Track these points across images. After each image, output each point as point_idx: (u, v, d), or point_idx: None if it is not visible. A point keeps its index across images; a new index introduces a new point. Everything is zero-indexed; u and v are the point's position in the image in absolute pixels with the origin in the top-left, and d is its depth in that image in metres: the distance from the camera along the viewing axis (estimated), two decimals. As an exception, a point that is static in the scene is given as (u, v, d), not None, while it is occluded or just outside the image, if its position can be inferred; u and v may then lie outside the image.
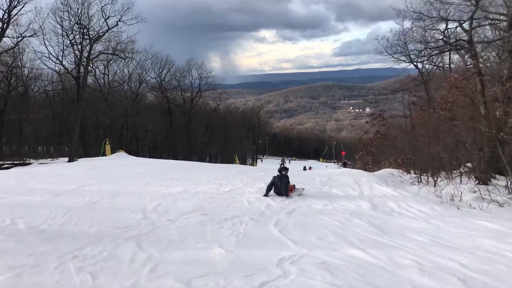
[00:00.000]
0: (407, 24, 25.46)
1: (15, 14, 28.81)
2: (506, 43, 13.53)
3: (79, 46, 33.94)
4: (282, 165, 11.91)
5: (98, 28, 33.69)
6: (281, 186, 10.97)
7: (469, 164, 14.35)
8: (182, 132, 55.14)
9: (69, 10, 33.12)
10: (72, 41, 34.24)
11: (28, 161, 30.10)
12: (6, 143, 38.56)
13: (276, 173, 11.48)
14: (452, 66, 26.19)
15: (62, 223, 7.48)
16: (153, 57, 50.12)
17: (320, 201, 10.05)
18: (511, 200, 9.76)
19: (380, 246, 5.83)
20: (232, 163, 55.42)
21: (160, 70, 51.34)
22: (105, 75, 45.46)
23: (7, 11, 28.08)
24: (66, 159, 30.99)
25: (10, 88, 37.11)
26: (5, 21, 28.50)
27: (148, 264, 5.10)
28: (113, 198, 10.32)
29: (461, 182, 12.42)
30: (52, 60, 35.34)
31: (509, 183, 10.94)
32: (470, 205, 9.52)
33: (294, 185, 11.57)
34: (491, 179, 12.75)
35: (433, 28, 18.63)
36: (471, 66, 16.60)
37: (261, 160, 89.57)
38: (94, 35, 33.81)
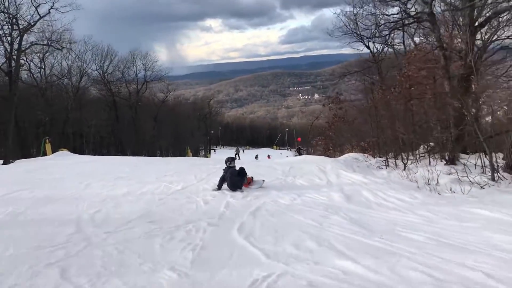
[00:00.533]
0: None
1: None
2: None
3: (8, 38, 30.86)
4: (230, 157, 10.67)
5: (29, 17, 30.72)
6: (228, 179, 9.76)
7: (431, 144, 13.70)
8: (130, 126, 52.49)
9: (-7, -2, 29.93)
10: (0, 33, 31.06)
11: (-45, 167, 27.06)
12: None
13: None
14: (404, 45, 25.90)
15: (-34, 247, 5.84)
16: (94, 48, 47.12)
17: (286, 194, 8.86)
18: (491, 181, 8.99)
19: (373, 252, 4.67)
20: (185, 155, 53.55)
21: (102, 62, 48.35)
22: (42, 69, 42.10)
23: None
24: (1, 161, 28.23)
25: None
26: None
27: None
28: (43, 207, 8.63)
29: (430, 164, 11.66)
30: (-23, 54, 31.95)
31: (483, 161, 10.22)
32: (450, 189, 8.64)
33: (252, 177, 10.34)
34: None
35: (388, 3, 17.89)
36: (429, 42, 15.97)
37: (214, 151, 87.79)
38: (24, 25, 30.83)
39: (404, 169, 11.18)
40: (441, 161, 11.89)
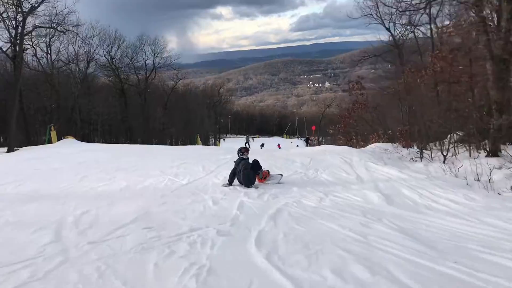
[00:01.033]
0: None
1: None
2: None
3: (13, 22, 29.63)
4: (243, 147, 9.25)
5: (33, -1, 29.40)
6: (240, 173, 8.38)
7: (463, 133, 12.20)
8: (139, 114, 51.25)
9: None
10: (4, 16, 29.81)
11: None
12: None
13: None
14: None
15: None
16: (101, 33, 45.70)
17: (310, 193, 7.46)
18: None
19: (454, 288, 3.26)
20: (194, 144, 52.37)
21: (110, 47, 46.96)
22: (48, 54, 40.89)
23: None
24: (5, 149, 27.17)
25: None
26: None
27: None
28: (23, 206, 7.35)
29: (470, 156, 10.17)
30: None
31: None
32: (511, 188, 7.15)
33: (268, 171, 8.95)
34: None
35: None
36: (468, 19, 14.29)
37: (224, 140, 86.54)
38: (28, 7, 29.55)
39: (444, 162, 9.70)
40: (478, 152, 10.39)
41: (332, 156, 11.55)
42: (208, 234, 5.10)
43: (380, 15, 26.85)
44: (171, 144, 55.07)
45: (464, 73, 12.18)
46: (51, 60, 41.17)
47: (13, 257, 4.56)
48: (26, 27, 29.70)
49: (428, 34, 27.11)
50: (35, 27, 31.19)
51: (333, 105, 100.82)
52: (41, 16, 31.03)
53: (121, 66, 48.73)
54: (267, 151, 19.48)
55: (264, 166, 8.98)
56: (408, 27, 24.76)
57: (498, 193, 6.91)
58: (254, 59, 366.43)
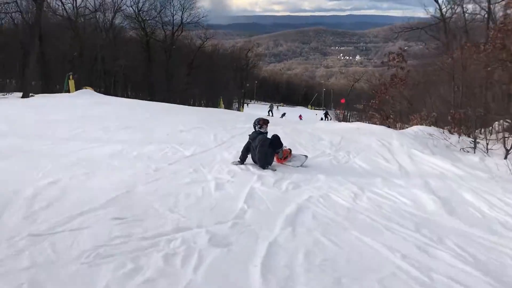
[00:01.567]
0: None
1: None
2: None
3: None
4: (261, 118, 7.50)
5: None
6: (255, 150, 6.80)
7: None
8: (162, 71, 49.73)
9: None
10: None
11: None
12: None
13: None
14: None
15: None
16: (129, -18, 43.79)
17: (341, 185, 5.81)
18: None
19: None
20: (217, 107, 50.89)
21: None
22: (73, 0, 39.37)
23: None
24: (20, 94, 26.23)
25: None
26: None
27: None
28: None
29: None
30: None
31: None
32: None
33: (290, 149, 7.32)
34: None
35: None
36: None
37: (247, 105, 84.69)
38: None
39: (506, 158, 7.90)
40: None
41: (367, 137, 9.79)
42: (197, 240, 3.58)
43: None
44: (193, 105, 53.78)
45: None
46: (76, 6, 39.64)
47: None
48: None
49: (477, 11, 24.66)
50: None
51: (362, 79, 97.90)
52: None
53: (147, 18, 46.88)
54: (289, 122, 17.74)
55: (285, 143, 7.36)
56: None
57: None
58: (286, 25, 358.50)
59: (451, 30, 25.21)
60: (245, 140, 7.21)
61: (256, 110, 60.25)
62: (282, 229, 3.96)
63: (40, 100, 20.61)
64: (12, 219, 3.93)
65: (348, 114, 64.56)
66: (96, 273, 2.93)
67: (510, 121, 9.83)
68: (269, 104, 54.95)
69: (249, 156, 6.99)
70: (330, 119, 44.05)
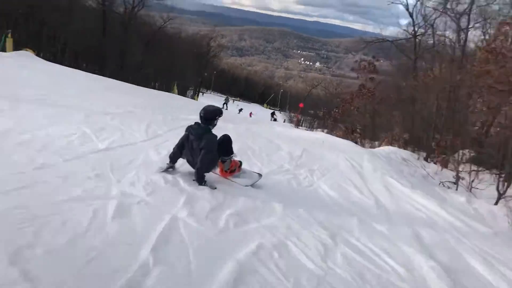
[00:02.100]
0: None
1: None
2: None
3: None
4: (213, 107, 5.43)
5: None
6: (193, 151, 5.04)
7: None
8: (117, 46, 46.28)
9: None
10: None
11: None
12: None
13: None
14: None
15: None
16: None
17: (306, 225, 4.12)
18: None
19: None
20: (170, 92, 48.27)
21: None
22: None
23: None
24: None
25: None
26: None
27: None
28: None
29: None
30: None
31: None
32: None
33: (239, 162, 5.52)
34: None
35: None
36: None
37: (202, 94, 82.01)
38: None
39: (497, 203, 6.49)
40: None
41: (334, 153, 8.20)
42: None
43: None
44: (145, 86, 50.81)
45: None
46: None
47: None
48: None
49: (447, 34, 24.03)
50: None
51: (320, 86, 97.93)
52: None
53: (106, -14, 43.36)
54: (244, 120, 15.92)
55: (235, 147, 5.55)
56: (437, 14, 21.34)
57: None
58: (253, 21, 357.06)
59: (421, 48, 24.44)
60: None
61: (211, 100, 58.04)
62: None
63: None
64: None
65: (302, 119, 63.93)
66: None
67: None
68: (225, 96, 52.79)
69: (184, 157, 5.13)
70: (275, 120, 42.70)
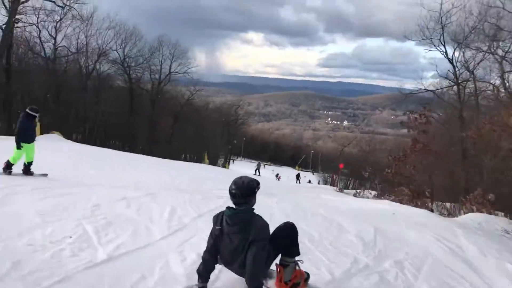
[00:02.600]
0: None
1: None
2: None
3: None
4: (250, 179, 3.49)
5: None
6: (237, 254, 3.29)
7: None
8: (145, 121, 46.29)
9: None
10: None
11: None
12: None
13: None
14: None
15: None
16: (117, 27, 41.37)
17: None
18: None
19: None
20: (201, 162, 47.39)
21: (125, 43, 42.48)
22: (53, 38, 36.47)
23: None
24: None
25: None
26: None
27: None
28: None
29: None
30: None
31: None
32: None
33: (307, 274, 3.65)
34: None
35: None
36: None
37: (233, 161, 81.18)
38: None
39: None
40: None
41: (415, 230, 6.21)
42: None
43: (444, 41, 22.06)
44: (176, 158, 50.25)
45: None
46: (56, 45, 36.68)
47: None
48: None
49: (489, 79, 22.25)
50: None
51: (352, 144, 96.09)
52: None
53: (133, 65, 44.08)
54: (284, 188, 14.09)
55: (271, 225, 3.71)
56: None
57: None
58: (277, 87, 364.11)
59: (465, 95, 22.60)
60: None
61: (243, 167, 56.58)
62: None
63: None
64: None
65: (337, 180, 61.53)
66: None
67: None
68: (257, 162, 51.35)
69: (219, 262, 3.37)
70: (299, 183, 40.66)
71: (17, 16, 25.61)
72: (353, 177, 66.68)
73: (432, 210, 9.25)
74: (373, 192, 18.22)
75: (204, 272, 3.37)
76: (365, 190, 18.32)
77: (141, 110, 46.08)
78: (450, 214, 8.85)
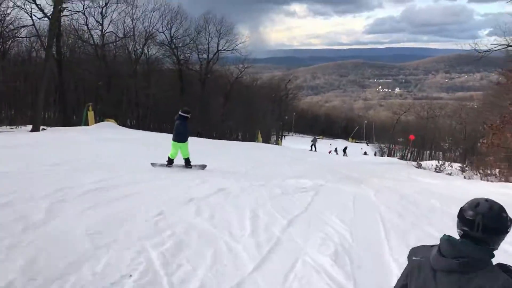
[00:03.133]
0: None
1: None
2: None
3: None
4: None
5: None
6: None
7: None
8: (196, 102, 45.63)
9: None
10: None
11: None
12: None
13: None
14: None
15: None
16: (162, 7, 40.48)
17: None
18: None
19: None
20: (255, 140, 46.39)
21: (171, 24, 41.57)
22: (100, 25, 36.16)
23: None
24: (29, 128, 22.48)
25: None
26: None
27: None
28: None
29: None
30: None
31: None
32: None
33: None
34: None
35: None
36: None
37: (284, 137, 79.74)
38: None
39: None
40: None
41: None
42: None
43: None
44: (229, 138, 49.51)
45: None
46: (103, 31, 36.37)
47: None
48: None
49: None
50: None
51: (409, 111, 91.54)
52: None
53: (181, 46, 43.21)
54: (370, 171, 12.44)
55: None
56: None
57: None
58: (324, 58, 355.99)
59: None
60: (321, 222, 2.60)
61: (295, 142, 54.79)
62: None
63: (46, 135, 16.72)
64: None
65: (407, 152, 58.40)
66: None
67: None
68: (312, 137, 49.46)
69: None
70: (315, 150, 38.65)
71: (63, 5, 24.98)
72: (414, 147, 63.42)
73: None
74: (456, 165, 16.18)
75: None
76: (446, 164, 16.27)
77: (192, 91, 45.37)
78: None
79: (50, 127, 23.83)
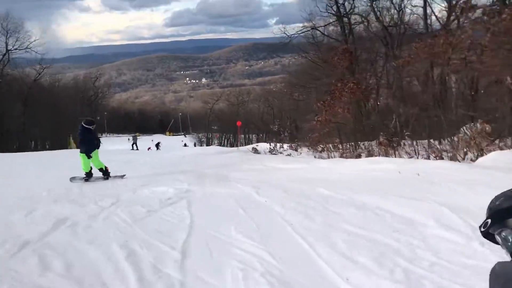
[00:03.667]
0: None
1: None
2: None
3: None
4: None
5: None
6: None
7: None
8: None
9: None
10: None
11: None
12: None
13: None
14: None
15: None
16: None
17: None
18: None
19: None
20: (67, 147, 42.02)
21: None
22: None
23: None
24: None
25: None
26: None
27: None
28: None
29: None
30: None
31: None
32: None
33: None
34: None
35: None
36: None
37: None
38: None
39: None
40: None
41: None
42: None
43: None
44: (35, 149, 43.66)
45: None
46: None
47: None
48: None
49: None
50: None
51: (222, 99, 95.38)
52: None
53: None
54: (220, 164, 11.87)
55: None
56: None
57: None
58: (128, 54, 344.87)
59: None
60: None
61: (113, 144, 50.51)
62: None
63: None
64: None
65: (208, 136, 60.01)
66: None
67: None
68: (132, 136, 47.10)
69: None
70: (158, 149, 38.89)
71: None
72: (226, 132, 66.04)
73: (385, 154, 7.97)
74: (286, 146, 16.99)
75: None
76: (278, 145, 16.94)
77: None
78: (453, 156, 7.74)
79: None
